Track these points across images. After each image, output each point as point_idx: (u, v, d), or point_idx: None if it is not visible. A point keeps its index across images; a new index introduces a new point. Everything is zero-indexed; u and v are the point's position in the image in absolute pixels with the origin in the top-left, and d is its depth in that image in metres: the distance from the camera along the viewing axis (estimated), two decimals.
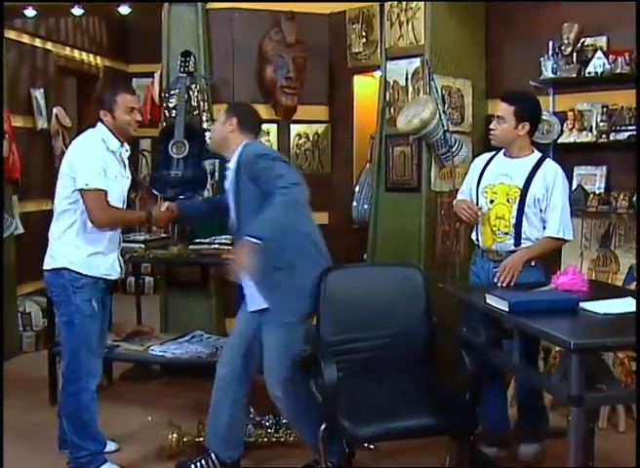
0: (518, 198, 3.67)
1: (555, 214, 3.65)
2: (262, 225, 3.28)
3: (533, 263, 3.68)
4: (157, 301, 5.54)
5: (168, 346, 4.78)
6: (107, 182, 3.57)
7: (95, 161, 3.54)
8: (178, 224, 5.05)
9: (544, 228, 3.68)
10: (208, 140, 3.87)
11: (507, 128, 3.69)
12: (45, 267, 3.66)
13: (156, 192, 5.32)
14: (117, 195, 3.67)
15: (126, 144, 3.79)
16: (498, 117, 3.74)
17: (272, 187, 3.29)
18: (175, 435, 3.94)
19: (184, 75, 5.10)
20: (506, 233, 3.71)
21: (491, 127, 3.82)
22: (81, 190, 3.52)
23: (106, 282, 3.73)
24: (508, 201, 3.70)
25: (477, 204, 3.80)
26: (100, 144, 3.62)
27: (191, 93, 5.13)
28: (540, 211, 3.67)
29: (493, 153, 3.91)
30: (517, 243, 3.69)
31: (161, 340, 4.92)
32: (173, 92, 5.14)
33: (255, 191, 3.39)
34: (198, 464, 3.74)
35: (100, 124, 3.68)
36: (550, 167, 3.72)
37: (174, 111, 5.10)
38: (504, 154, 3.82)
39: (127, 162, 3.82)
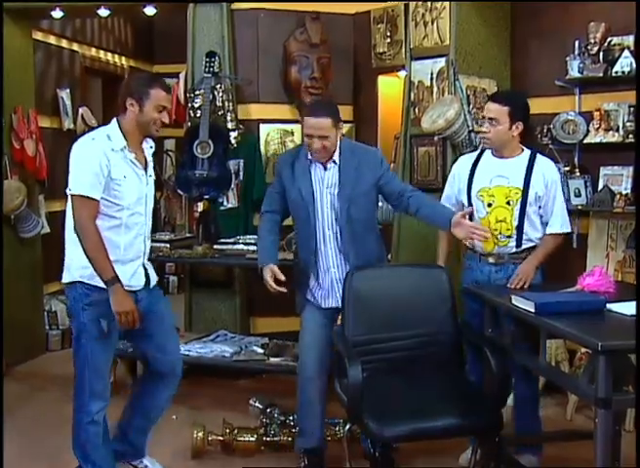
0: (520, 199, 3.60)
1: (557, 210, 3.64)
2: None
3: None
4: (181, 301, 5.56)
5: (192, 345, 4.81)
6: (112, 185, 3.21)
7: (86, 165, 3.18)
8: (202, 224, 5.09)
9: (543, 225, 3.66)
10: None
11: (502, 129, 3.56)
12: (63, 280, 3.37)
13: (181, 192, 5.37)
14: (131, 196, 3.29)
15: (150, 141, 3.47)
16: (490, 119, 3.59)
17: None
18: (199, 434, 3.95)
19: (209, 75, 5.12)
20: (509, 236, 3.65)
21: (482, 129, 3.72)
22: (67, 193, 3.23)
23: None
24: (508, 203, 3.62)
25: (472, 207, 3.69)
26: (102, 143, 3.23)
27: (216, 93, 5.15)
28: (539, 207, 3.63)
29: (476, 154, 3.81)
30: (519, 244, 3.65)
31: (185, 339, 4.94)
32: (198, 92, 5.16)
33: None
34: None
35: (114, 121, 3.35)
36: (546, 163, 3.68)
37: (199, 111, 5.12)
38: (493, 155, 3.71)
39: (151, 159, 3.48)
